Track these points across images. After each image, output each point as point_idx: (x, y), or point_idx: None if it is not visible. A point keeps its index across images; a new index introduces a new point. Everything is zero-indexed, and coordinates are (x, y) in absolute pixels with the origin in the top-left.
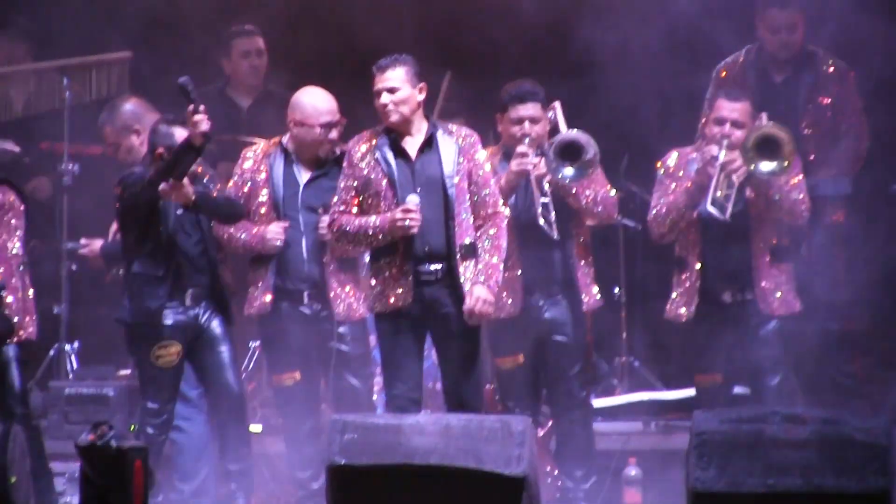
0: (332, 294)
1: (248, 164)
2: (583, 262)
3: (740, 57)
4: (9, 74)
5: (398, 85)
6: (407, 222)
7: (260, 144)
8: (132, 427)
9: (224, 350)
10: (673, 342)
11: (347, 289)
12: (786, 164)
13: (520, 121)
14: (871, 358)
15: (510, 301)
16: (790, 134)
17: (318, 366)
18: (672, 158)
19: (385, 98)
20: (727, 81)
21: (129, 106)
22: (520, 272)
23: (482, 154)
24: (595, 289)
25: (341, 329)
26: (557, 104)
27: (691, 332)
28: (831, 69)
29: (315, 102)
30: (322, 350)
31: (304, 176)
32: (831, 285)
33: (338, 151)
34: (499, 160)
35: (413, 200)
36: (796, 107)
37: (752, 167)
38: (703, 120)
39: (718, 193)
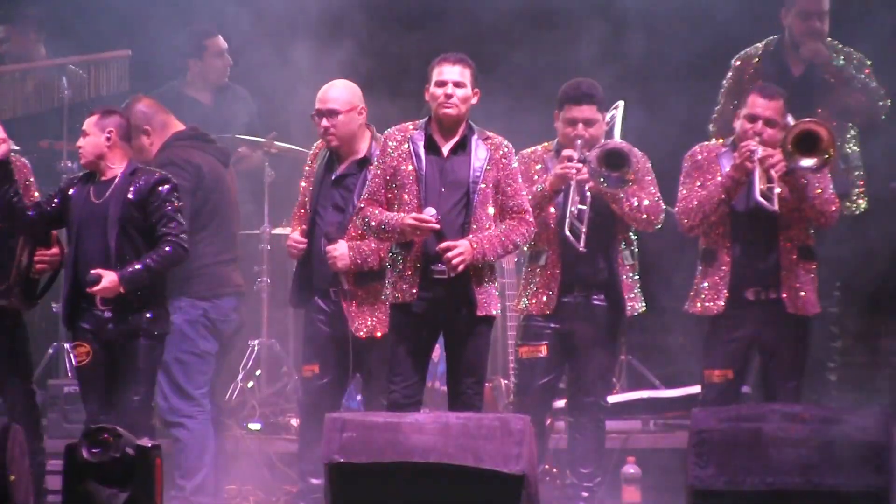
0: (351, 312)
1: (307, 167)
2: (628, 267)
3: (760, 49)
4: (8, 73)
5: (466, 82)
6: (417, 232)
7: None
8: None
9: None
10: (673, 341)
11: (373, 309)
12: (827, 156)
13: (573, 122)
14: (854, 341)
15: (544, 298)
16: (829, 128)
17: (339, 362)
18: (700, 153)
19: (450, 89)
20: (743, 71)
21: (140, 106)
22: (558, 271)
23: (515, 165)
24: (639, 295)
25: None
26: (621, 104)
27: (708, 325)
28: (833, 52)
29: (354, 88)
30: (345, 347)
31: (337, 174)
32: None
33: (375, 152)
34: (550, 157)
35: (430, 212)
36: (811, 101)
37: (792, 163)
38: (717, 109)
39: (761, 186)
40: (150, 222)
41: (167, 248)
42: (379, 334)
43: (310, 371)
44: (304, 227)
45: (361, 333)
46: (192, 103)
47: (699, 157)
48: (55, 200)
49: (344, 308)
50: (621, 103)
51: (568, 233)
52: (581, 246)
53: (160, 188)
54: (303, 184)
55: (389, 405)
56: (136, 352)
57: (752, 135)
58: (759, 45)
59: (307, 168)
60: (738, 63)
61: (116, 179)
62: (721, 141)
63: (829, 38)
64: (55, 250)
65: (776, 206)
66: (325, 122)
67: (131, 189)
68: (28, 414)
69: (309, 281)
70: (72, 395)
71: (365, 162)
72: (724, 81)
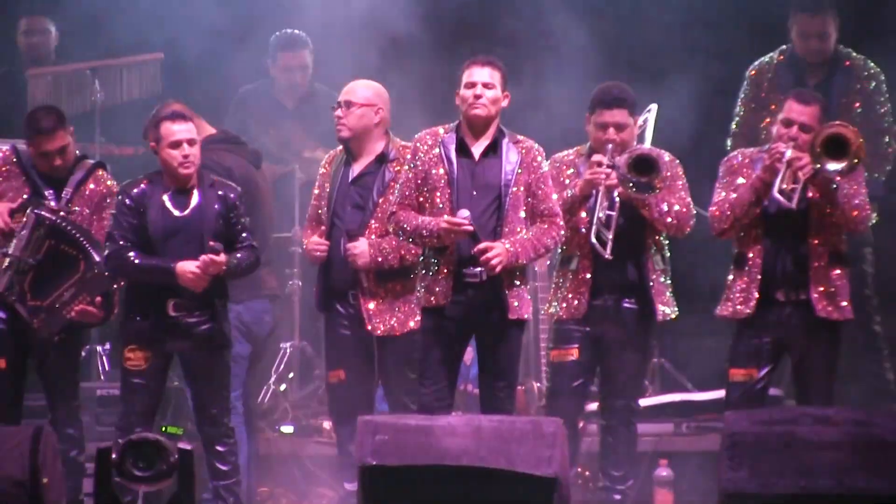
0: (369, 310)
1: (322, 171)
2: (659, 272)
3: (775, 58)
4: (41, 75)
5: (496, 84)
6: (452, 235)
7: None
8: (163, 428)
9: None
10: (705, 344)
11: (393, 309)
12: (855, 161)
13: (604, 126)
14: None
15: (575, 302)
16: (858, 134)
17: (365, 366)
18: (737, 157)
19: (479, 90)
20: (759, 83)
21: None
22: (589, 275)
23: (545, 168)
24: (670, 298)
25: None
26: (654, 108)
27: (736, 325)
28: (862, 72)
29: (378, 88)
30: (370, 348)
31: (354, 173)
32: (861, 287)
33: (391, 151)
34: (582, 161)
35: (463, 214)
36: (828, 111)
37: (819, 166)
38: (736, 120)
39: (784, 186)
40: (230, 233)
41: (249, 254)
42: (397, 333)
43: (335, 377)
44: (323, 227)
45: (379, 332)
46: (275, 105)
47: (735, 161)
48: (133, 220)
49: (362, 306)
50: (654, 107)
51: (594, 240)
52: (607, 253)
53: (239, 202)
54: (315, 191)
55: (420, 408)
56: (219, 363)
57: (787, 139)
58: (773, 53)
59: (321, 174)
60: (754, 73)
61: (197, 191)
62: (759, 148)
63: (863, 56)
64: (101, 313)
65: (794, 204)
66: (338, 112)
67: (217, 202)
68: (72, 425)
69: (330, 284)
70: (104, 397)
71: (383, 158)
72: (741, 93)
